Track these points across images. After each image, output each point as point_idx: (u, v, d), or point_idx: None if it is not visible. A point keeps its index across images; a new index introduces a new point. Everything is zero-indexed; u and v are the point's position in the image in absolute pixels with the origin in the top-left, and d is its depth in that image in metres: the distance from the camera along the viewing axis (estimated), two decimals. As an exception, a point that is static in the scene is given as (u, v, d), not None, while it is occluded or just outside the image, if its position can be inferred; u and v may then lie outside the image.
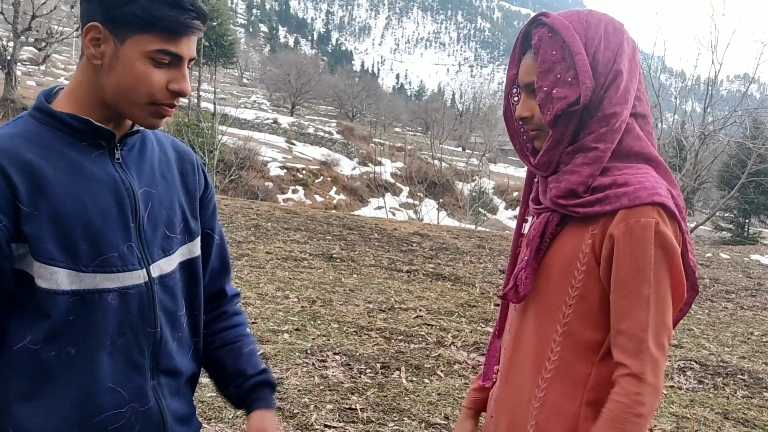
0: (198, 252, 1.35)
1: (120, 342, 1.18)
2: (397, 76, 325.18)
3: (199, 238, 1.35)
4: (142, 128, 1.25)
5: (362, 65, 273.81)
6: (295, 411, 3.47)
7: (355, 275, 7.00)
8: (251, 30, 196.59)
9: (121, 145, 1.22)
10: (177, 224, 1.29)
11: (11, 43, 27.38)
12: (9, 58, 26.82)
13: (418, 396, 3.83)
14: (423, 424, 3.48)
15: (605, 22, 1.30)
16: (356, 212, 26.52)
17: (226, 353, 1.41)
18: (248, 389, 1.38)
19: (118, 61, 1.13)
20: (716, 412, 4.08)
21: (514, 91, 1.43)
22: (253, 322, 4.94)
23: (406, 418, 3.53)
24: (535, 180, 1.43)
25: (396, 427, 3.42)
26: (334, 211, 18.95)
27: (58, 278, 1.10)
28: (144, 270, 1.20)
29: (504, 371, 1.43)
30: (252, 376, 1.39)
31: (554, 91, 1.27)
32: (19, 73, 29.40)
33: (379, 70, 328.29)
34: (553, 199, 1.31)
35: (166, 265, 1.26)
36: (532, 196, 1.44)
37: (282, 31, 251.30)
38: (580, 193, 1.27)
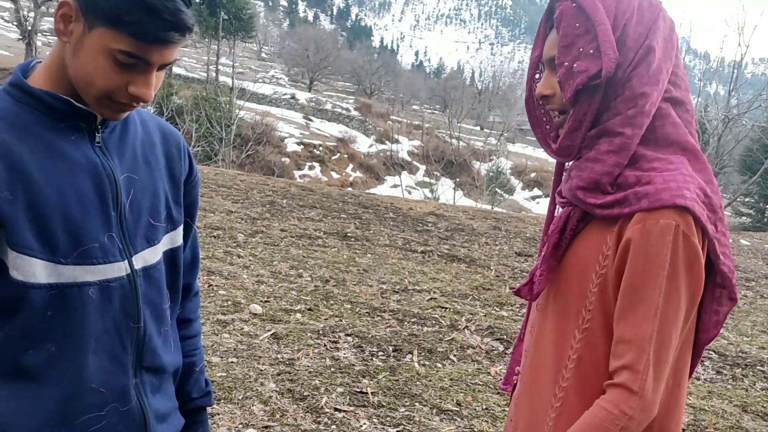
0: (180, 241, 1.28)
1: (103, 339, 1.11)
2: (417, 53, 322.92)
3: (181, 227, 1.28)
4: None
5: (381, 41, 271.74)
6: (306, 393, 3.43)
7: (369, 255, 6.94)
8: (270, 4, 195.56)
9: (102, 127, 1.13)
10: (161, 212, 1.21)
11: (32, 14, 27.42)
12: (30, 28, 26.87)
13: (430, 381, 3.78)
14: (434, 410, 3.43)
15: None
16: (372, 190, 26.47)
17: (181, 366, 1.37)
18: (189, 412, 1.38)
19: (82, 48, 1.04)
20: (735, 404, 4.00)
21: (537, 76, 1.33)
22: (265, 301, 4.91)
23: (417, 404, 3.48)
24: (565, 168, 1.34)
25: (407, 413, 3.38)
26: (349, 189, 18.91)
27: (35, 270, 1.02)
28: (126, 262, 1.13)
29: (525, 374, 1.35)
30: (195, 399, 1.39)
31: (575, 65, 1.17)
32: (39, 43, 29.46)
33: (398, 46, 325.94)
34: (573, 189, 1.21)
35: (151, 255, 1.18)
36: (558, 188, 1.33)
37: (301, 5, 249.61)
38: (604, 184, 1.16)
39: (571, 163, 1.29)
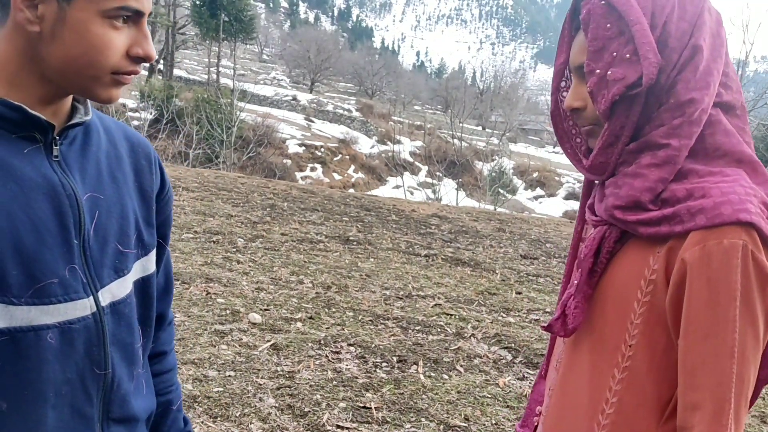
0: (153, 268, 1.10)
1: (64, 390, 0.94)
2: (418, 54, 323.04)
3: (154, 252, 1.11)
4: (86, 118, 1.00)
5: (382, 42, 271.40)
6: (306, 409, 3.28)
7: (372, 259, 6.79)
8: (271, 5, 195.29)
9: (61, 137, 0.96)
10: (131, 236, 1.04)
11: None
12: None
13: (436, 394, 3.63)
14: (441, 426, 3.27)
15: None
16: (374, 191, 26.33)
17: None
18: None
19: (65, 26, 0.88)
20: (752, 414, 3.84)
21: (563, 84, 1.16)
22: (265, 309, 4.76)
23: (423, 419, 3.33)
24: (596, 183, 1.17)
25: (413, 429, 3.22)
26: (351, 191, 18.77)
27: None
28: (91, 298, 0.95)
29: (549, 419, 1.18)
30: None
31: (609, 73, 1.00)
32: None
33: (399, 47, 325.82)
34: (609, 209, 1.04)
35: (119, 288, 1.00)
36: (589, 203, 1.16)
37: (302, 7, 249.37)
38: (645, 203, 1.00)
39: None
